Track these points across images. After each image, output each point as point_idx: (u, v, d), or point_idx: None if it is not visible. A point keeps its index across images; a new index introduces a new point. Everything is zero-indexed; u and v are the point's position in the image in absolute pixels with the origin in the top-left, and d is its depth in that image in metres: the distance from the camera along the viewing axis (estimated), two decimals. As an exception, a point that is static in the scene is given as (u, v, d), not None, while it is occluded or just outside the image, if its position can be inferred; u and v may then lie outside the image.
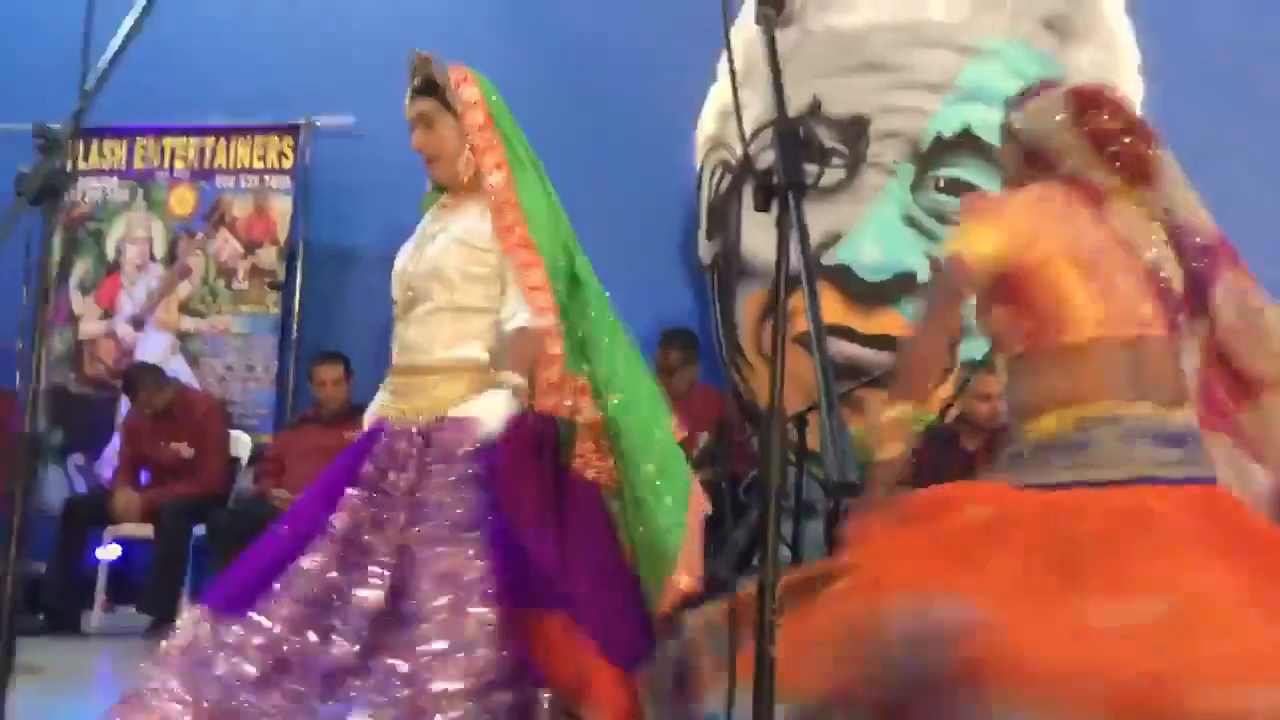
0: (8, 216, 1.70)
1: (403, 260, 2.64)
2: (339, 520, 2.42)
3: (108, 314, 6.34)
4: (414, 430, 2.49)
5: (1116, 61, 4.99)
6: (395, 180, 3.04)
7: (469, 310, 2.54)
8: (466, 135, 2.56)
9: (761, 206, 1.45)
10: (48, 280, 1.88)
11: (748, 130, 5.44)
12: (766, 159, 1.44)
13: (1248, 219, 2.63)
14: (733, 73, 1.80)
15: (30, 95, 6.03)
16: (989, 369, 4.00)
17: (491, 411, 2.45)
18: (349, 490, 2.46)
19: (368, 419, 2.64)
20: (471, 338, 2.53)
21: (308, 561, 2.38)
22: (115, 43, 1.81)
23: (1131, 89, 4.77)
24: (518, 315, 2.50)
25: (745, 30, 5.46)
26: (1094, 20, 5.10)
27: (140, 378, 5.58)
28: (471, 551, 2.32)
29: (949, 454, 4.20)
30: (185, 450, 5.41)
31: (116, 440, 6.16)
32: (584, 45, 5.63)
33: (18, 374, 6.26)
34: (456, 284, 2.53)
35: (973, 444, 4.32)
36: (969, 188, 4.82)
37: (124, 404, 6.18)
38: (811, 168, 1.43)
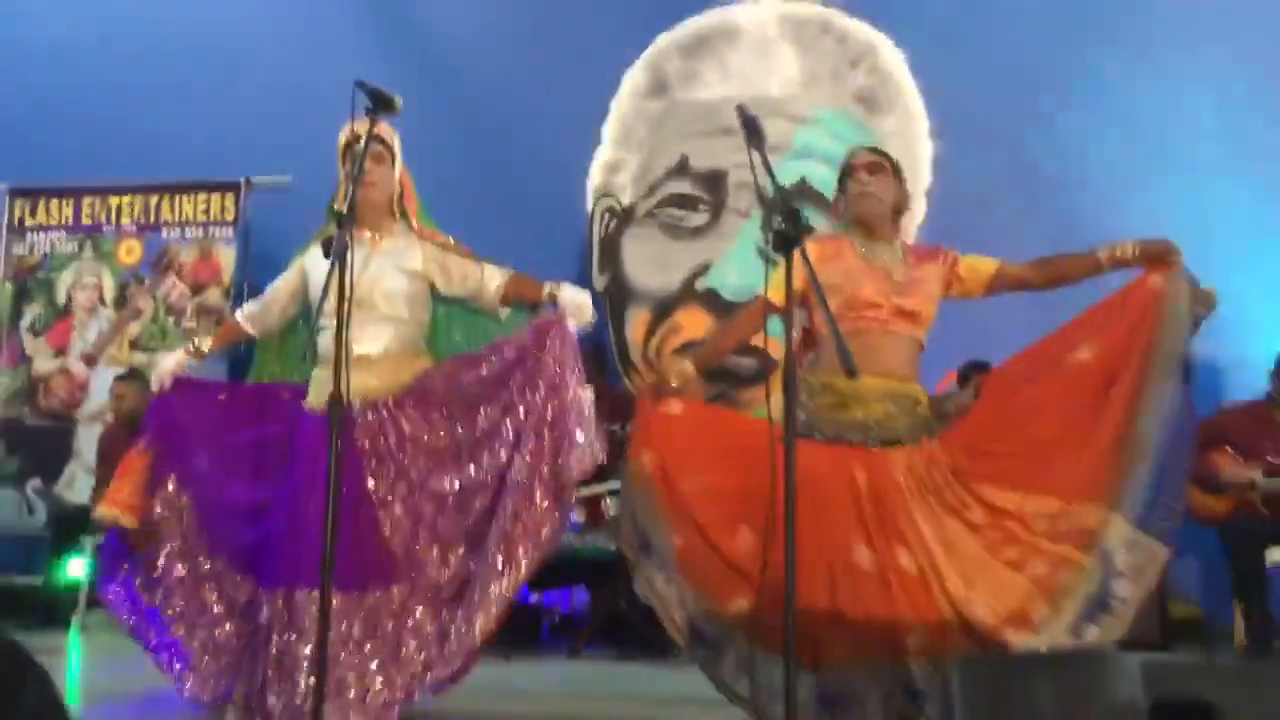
0: (329, 270, 2.69)
1: (325, 275, 3.17)
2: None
3: (60, 353, 7.03)
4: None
5: (912, 127, 6.40)
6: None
7: (403, 321, 3.38)
8: (395, 180, 3.42)
9: (778, 248, 2.53)
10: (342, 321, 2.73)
11: (629, 182, 6.70)
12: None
13: (1015, 257, 3.17)
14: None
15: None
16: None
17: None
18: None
19: (316, 401, 3.26)
20: (408, 339, 3.39)
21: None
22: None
23: (923, 149, 6.19)
24: (499, 271, 3.41)
25: (624, 101, 6.71)
26: (894, 94, 6.52)
27: (127, 380, 6.12)
28: None
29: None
30: (155, 463, 6.12)
31: (72, 466, 6.88)
32: (491, 113, 6.72)
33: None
34: (398, 301, 3.36)
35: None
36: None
37: (81, 432, 6.88)
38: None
